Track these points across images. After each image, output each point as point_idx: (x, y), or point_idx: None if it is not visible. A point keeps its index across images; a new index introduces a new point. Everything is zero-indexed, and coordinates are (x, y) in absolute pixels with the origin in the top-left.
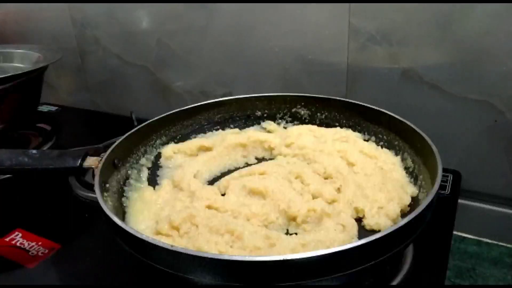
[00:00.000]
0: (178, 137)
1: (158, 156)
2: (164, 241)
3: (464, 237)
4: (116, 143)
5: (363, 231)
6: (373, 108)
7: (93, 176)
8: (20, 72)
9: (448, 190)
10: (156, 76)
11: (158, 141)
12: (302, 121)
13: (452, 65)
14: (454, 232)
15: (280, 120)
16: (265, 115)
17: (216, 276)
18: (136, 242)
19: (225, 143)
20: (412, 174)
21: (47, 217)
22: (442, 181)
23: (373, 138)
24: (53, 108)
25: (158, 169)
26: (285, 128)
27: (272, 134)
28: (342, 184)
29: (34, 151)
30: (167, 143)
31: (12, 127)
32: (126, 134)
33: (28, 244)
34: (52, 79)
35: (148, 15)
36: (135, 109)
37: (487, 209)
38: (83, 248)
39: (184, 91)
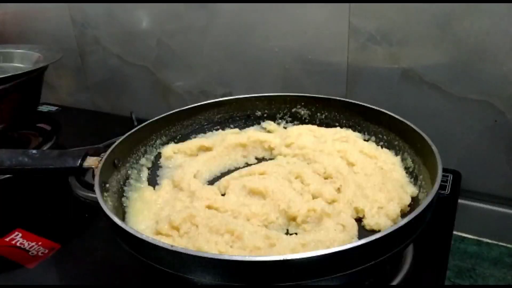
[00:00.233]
0: (178, 137)
1: (158, 156)
2: (164, 241)
3: (464, 237)
4: (116, 143)
5: (363, 231)
6: (373, 108)
7: (93, 176)
8: (20, 72)
9: (448, 190)
10: (156, 76)
11: (158, 141)
12: (302, 121)
13: (452, 65)
14: (454, 232)
15: (280, 120)
16: (265, 115)
17: (216, 276)
18: (136, 242)
19: (225, 143)
20: (412, 174)
21: (47, 217)
22: (442, 181)
23: (373, 138)
24: (53, 108)
25: (158, 169)
26: (285, 128)
27: (272, 134)
28: (342, 184)
29: (34, 151)
30: (167, 143)
31: (12, 127)
32: (126, 134)
33: (28, 244)
34: (52, 79)
35: (148, 15)
36: (135, 109)
37: (487, 209)
38: (83, 248)
39: (184, 91)
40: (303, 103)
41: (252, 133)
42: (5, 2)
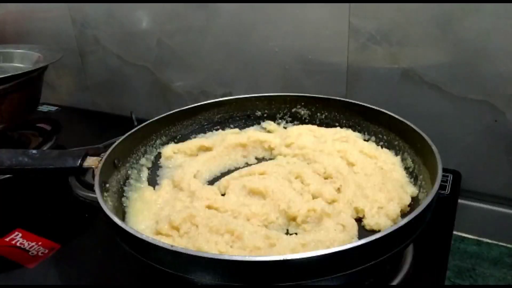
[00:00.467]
0: (178, 137)
1: (158, 156)
2: (164, 241)
3: (464, 237)
4: (116, 143)
5: (363, 231)
6: (373, 108)
7: (93, 176)
8: (20, 72)
9: (448, 190)
10: (156, 76)
11: (158, 141)
12: (302, 121)
13: (452, 65)
14: (454, 232)
15: (280, 120)
16: (265, 115)
17: (216, 276)
18: (136, 242)
19: (225, 143)
20: (412, 174)
21: (47, 217)
22: (442, 181)
23: (373, 138)
24: (53, 108)
25: (158, 169)
26: (285, 128)
27: (272, 134)
28: (342, 184)
29: (34, 151)
30: (167, 143)
31: (12, 127)
32: (126, 134)
33: (28, 244)
34: (52, 79)
35: (148, 15)
36: (135, 109)
37: (487, 209)
38: (83, 248)
39: (184, 91)
40: (303, 103)
41: (252, 133)
42: (5, 2)
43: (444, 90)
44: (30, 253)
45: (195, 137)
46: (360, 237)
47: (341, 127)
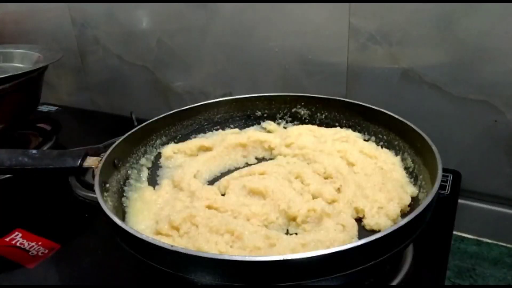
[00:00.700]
0: (178, 137)
1: (158, 156)
2: (164, 241)
3: (464, 237)
4: (116, 143)
5: (363, 231)
6: (373, 108)
7: (93, 176)
8: (20, 72)
9: (448, 190)
10: (156, 76)
11: (158, 141)
12: (302, 121)
13: (452, 65)
14: (454, 232)
15: (280, 120)
16: (265, 115)
17: (216, 276)
18: (136, 242)
19: (225, 143)
20: (412, 174)
21: (47, 217)
22: (442, 181)
23: (373, 138)
24: (53, 108)
25: (158, 169)
26: (285, 128)
27: (272, 134)
28: (342, 184)
29: (34, 151)
30: (167, 143)
31: (12, 127)
32: (126, 134)
33: (28, 244)
34: (52, 79)
35: (148, 15)
36: (135, 109)
37: (487, 209)
38: (83, 248)
39: (184, 91)
40: (303, 103)
41: (252, 133)
42: (5, 2)
43: (444, 90)
44: (30, 253)
45: (195, 137)
46: (360, 237)
47: (341, 127)
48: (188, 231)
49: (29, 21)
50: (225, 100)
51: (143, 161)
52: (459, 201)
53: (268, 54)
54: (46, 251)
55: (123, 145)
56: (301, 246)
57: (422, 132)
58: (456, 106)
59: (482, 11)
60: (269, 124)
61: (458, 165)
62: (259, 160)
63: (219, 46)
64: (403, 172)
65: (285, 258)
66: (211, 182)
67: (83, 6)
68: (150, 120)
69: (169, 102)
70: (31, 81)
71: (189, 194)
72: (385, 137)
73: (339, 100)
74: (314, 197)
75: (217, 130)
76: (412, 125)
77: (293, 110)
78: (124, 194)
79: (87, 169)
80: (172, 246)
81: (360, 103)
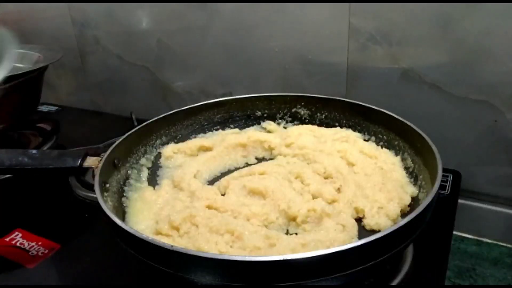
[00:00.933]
0: (178, 137)
1: (158, 156)
2: (164, 241)
3: (464, 237)
4: (116, 143)
5: (363, 231)
6: (373, 108)
7: (93, 176)
8: (20, 72)
9: (448, 190)
10: (156, 76)
11: (158, 141)
12: (302, 121)
13: (452, 65)
14: (454, 232)
15: (280, 120)
16: (265, 115)
17: (216, 276)
18: (136, 242)
19: (225, 143)
20: (412, 174)
21: (47, 217)
22: (442, 181)
23: (373, 138)
24: (53, 108)
25: (158, 169)
26: (285, 128)
27: (272, 134)
28: (342, 184)
29: (34, 151)
30: (167, 143)
31: (12, 127)
32: (126, 134)
33: (28, 244)
34: (52, 79)
35: (148, 15)
36: (135, 109)
37: (487, 209)
38: (83, 248)
39: (184, 91)
40: (303, 103)
41: (252, 133)
42: (5, 2)
43: (444, 90)
44: (30, 253)
45: (195, 137)
46: (360, 237)
47: (341, 127)
48: (188, 231)
49: (29, 21)
50: (225, 100)
51: (143, 161)
52: (459, 201)
53: (268, 54)
54: (46, 251)
55: (123, 145)
56: (301, 246)
57: (422, 132)
58: (456, 106)
59: (482, 11)
60: (269, 124)
61: (458, 165)
62: (259, 160)
63: (219, 46)
64: (403, 172)
65: (285, 258)
66: (211, 182)
67: (83, 6)
68: (150, 120)
69: (169, 102)
70: (31, 81)
71: (189, 194)
72: (385, 137)
73: (339, 100)
74: (314, 197)
75: (217, 130)
76: (412, 125)
77: (293, 110)
78: (124, 194)
79: (87, 169)
80: (172, 246)
81: (360, 103)
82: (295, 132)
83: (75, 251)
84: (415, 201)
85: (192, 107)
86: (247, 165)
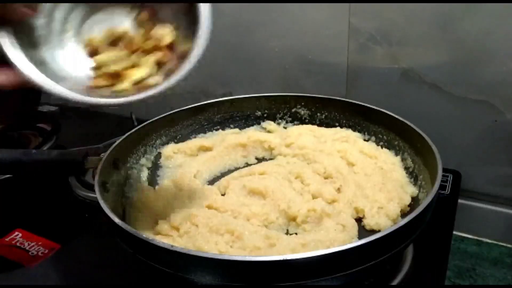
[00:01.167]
0: (178, 137)
1: (158, 156)
2: (164, 241)
3: (464, 237)
4: (116, 143)
5: (363, 231)
6: (373, 108)
7: (93, 176)
8: None
9: (448, 190)
10: None
11: (158, 141)
12: (302, 121)
13: (452, 65)
14: (454, 232)
15: (280, 120)
16: (265, 115)
17: (216, 276)
18: (136, 242)
19: (225, 143)
20: (412, 174)
21: (47, 217)
22: (442, 181)
23: (373, 138)
24: (53, 108)
25: (158, 169)
26: (285, 128)
27: (272, 134)
28: (342, 184)
29: (34, 151)
30: (167, 143)
31: (12, 127)
32: (126, 134)
33: (28, 244)
34: None
35: None
36: (135, 109)
37: (487, 209)
38: (83, 248)
39: (184, 91)
40: (303, 103)
41: (252, 133)
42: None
43: (444, 90)
44: (30, 253)
45: (195, 137)
46: (360, 237)
47: (341, 127)
48: (188, 231)
49: None
50: (225, 100)
51: (143, 161)
52: (459, 201)
53: (268, 54)
54: (46, 251)
55: (123, 145)
56: (301, 246)
57: (422, 132)
58: (456, 106)
59: (482, 11)
60: (269, 124)
61: (458, 165)
62: (259, 160)
63: (219, 46)
64: (403, 172)
65: (285, 258)
66: (211, 182)
67: None
68: (150, 120)
69: (169, 102)
70: None
71: (189, 194)
72: (385, 137)
73: (339, 100)
74: (314, 197)
75: (217, 130)
76: (412, 125)
77: (293, 110)
78: (124, 194)
79: (87, 169)
80: (172, 246)
81: (360, 103)
82: (295, 132)
83: (75, 251)
84: (415, 201)
85: (192, 107)
86: (247, 165)
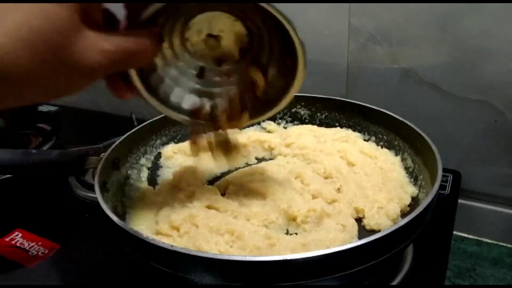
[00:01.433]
0: (178, 137)
1: (158, 156)
2: (164, 241)
3: (464, 237)
4: (116, 143)
5: (363, 231)
6: (373, 108)
7: (93, 176)
8: None
9: (448, 190)
10: None
11: (158, 141)
12: (302, 121)
13: (452, 65)
14: (454, 232)
15: (280, 120)
16: None
17: (216, 276)
18: (136, 242)
19: None
20: (412, 174)
21: (47, 217)
22: (442, 181)
23: (373, 138)
24: (53, 108)
25: (158, 169)
26: (285, 128)
27: (272, 134)
28: (342, 184)
29: (34, 151)
30: (167, 143)
31: (12, 127)
32: (126, 134)
33: (28, 244)
34: None
35: None
36: (135, 109)
37: (487, 209)
38: (83, 248)
39: None
40: (303, 103)
41: (252, 133)
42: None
43: (444, 90)
44: (30, 253)
45: None
46: (360, 237)
47: (341, 127)
48: (188, 231)
49: None
50: None
51: (143, 161)
52: (459, 201)
53: None
54: (46, 251)
55: (123, 145)
56: (301, 246)
57: (422, 132)
58: (456, 106)
59: (482, 11)
60: (269, 124)
61: (458, 165)
62: (259, 160)
63: None
64: (403, 172)
65: (285, 258)
66: (211, 182)
67: None
68: (150, 120)
69: None
70: None
71: (189, 194)
72: (385, 137)
73: (339, 100)
74: (314, 197)
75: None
76: (412, 125)
77: (293, 110)
78: (124, 194)
79: (87, 169)
80: (172, 246)
81: (360, 103)
82: (295, 132)
83: (75, 251)
84: (415, 201)
85: None
86: (247, 165)
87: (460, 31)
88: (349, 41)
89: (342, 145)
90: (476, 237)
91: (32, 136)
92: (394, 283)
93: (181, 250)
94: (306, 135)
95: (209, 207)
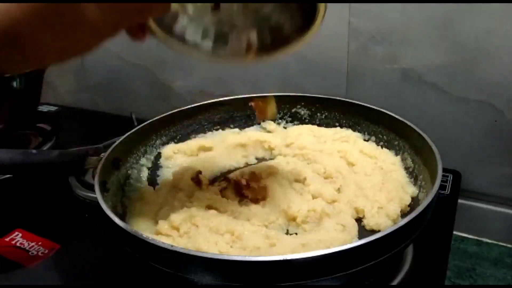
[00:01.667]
0: (178, 137)
1: (158, 156)
2: (164, 241)
3: (464, 237)
4: (116, 143)
5: (363, 231)
6: (373, 108)
7: (93, 176)
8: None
9: (448, 190)
10: (156, 76)
11: (158, 141)
12: (302, 121)
13: (452, 65)
14: (454, 232)
15: (280, 120)
16: None
17: (216, 276)
18: (136, 242)
19: (225, 143)
20: (412, 174)
21: (47, 217)
22: (442, 181)
23: (373, 138)
24: (53, 108)
25: (158, 169)
26: (285, 128)
27: (272, 134)
28: (342, 184)
29: (34, 151)
30: (167, 143)
31: (12, 127)
32: (126, 134)
33: (28, 244)
34: (52, 79)
35: None
36: (135, 109)
37: (487, 209)
38: (83, 248)
39: (184, 91)
40: (303, 103)
41: (252, 133)
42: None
43: (444, 90)
44: (30, 253)
45: (195, 137)
46: (360, 237)
47: (341, 127)
48: (188, 231)
49: None
50: (225, 100)
51: (143, 161)
52: (459, 201)
53: None
54: (46, 251)
55: (123, 145)
56: (301, 246)
57: (422, 132)
58: (456, 106)
59: (482, 11)
60: (269, 124)
61: (458, 165)
62: (259, 160)
63: None
64: (403, 172)
65: (285, 258)
66: (211, 182)
67: None
68: (150, 120)
69: (169, 102)
70: (31, 81)
71: (189, 194)
72: (385, 137)
73: (339, 100)
74: (314, 197)
75: (217, 130)
76: (412, 125)
77: (293, 110)
78: (124, 194)
79: (87, 169)
80: (172, 246)
81: (360, 103)
82: (295, 132)
83: (75, 251)
84: (415, 201)
85: (192, 107)
86: (247, 165)
87: (460, 31)
88: (349, 41)
89: (342, 145)
90: (476, 237)
91: (32, 136)
92: (394, 283)
93: (181, 250)
94: (306, 135)
95: (209, 207)
